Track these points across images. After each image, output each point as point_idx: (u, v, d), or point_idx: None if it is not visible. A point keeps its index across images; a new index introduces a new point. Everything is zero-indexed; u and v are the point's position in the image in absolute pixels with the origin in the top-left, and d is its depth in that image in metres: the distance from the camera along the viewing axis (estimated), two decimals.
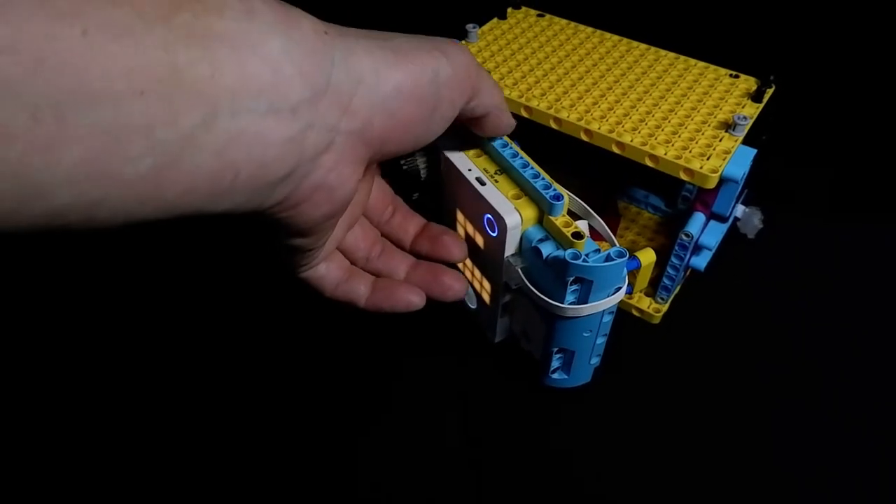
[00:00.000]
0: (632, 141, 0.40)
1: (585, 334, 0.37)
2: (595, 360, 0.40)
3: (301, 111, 0.23)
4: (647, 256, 0.35)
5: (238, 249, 0.53)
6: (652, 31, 0.51)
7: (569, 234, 0.33)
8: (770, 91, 0.43)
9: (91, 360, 0.46)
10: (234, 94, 0.21)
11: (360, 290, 0.34)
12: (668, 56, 0.47)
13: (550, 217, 0.34)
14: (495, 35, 0.49)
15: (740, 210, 0.46)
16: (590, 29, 0.50)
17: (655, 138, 0.40)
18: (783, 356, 0.45)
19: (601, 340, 0.39)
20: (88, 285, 0.51)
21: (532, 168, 0.35)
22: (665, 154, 0.39)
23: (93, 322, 0.48)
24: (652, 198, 0.54)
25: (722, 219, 0.44)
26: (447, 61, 0.28)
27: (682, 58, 0.47)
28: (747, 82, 0.45)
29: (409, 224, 0.37)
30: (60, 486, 0.40)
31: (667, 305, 0.47)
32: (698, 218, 0.43)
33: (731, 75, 0.45)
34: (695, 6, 0.76)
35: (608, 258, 0.32)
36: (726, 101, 0.43)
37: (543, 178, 0.35)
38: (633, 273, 0.36)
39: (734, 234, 0.47)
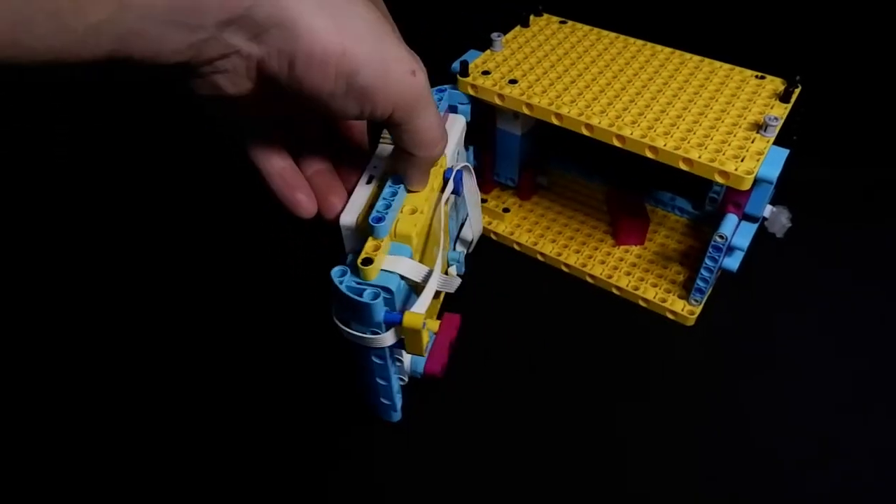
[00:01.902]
0: (665, 145, 0.40)
1: (360, 362, 0.37)
2: (386, 402, 0.39)
3: (207, 28, 0.25)
4: (412, 320, 0.32)
5: (247, 259, 0.53)
6: (674, 34, 0.51)
7: (361, 256, 0.32)
8: (797, 91, 0.44)
9: (89, 359, 0.46)
10: (147, 6, 0.23)
11: (274, 163, 0.34)
12: (692, 59, 0.47)
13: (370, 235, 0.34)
14: (519, 43, 0.50)
15: (768, 209, 0.46)
16: (613, 34, 0.50)
17: (688, 142, 0.40)
18: (816, 356, 0.45)
19: (382, 383, 0.38)
20: (84, 285, 0.51)
21: (393, 187, 0.35)
22: (699, 157, 0.39)
23: (91, 320, 0.49)
24: (679, 200, 0.54)
25: (754, 219, 0.44)
26: (377, 72, 0.27)
27: (707, 60, 0.47)
28: (773, 83, 0.45)
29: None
30: (56, 484, 0.40)
31: (700, 307, 0.47)
32: (731, 219, 0.43)
33: (756, 76, 0.46)
34: (716, 9, 0.76)
35: (358, 293, 0.32)
36: (754, 103, 0.43)
37: (389, 200, 0.34)
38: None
39: (762, 234, 0.47)
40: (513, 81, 0.46)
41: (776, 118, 0.40)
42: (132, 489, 0.40)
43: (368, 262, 0.32)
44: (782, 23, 0.77)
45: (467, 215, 0.47)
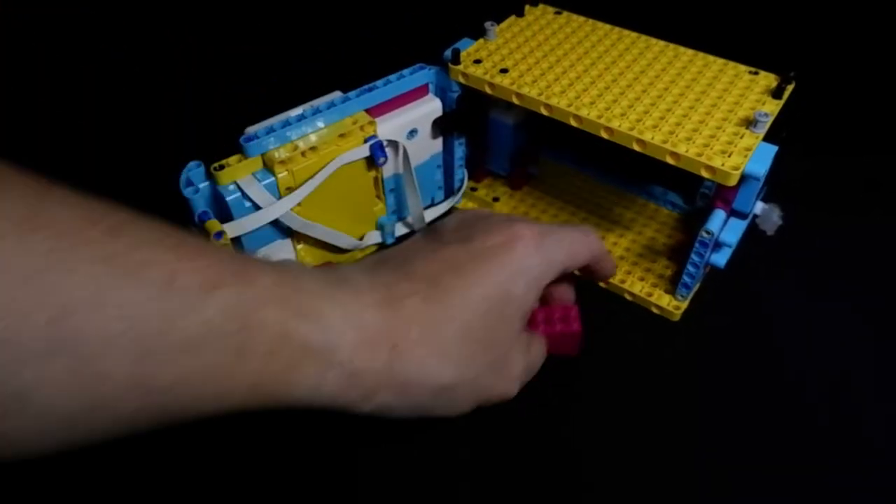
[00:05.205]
0: (653, 138, 0.40)
1: None
2: None
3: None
4: (210, 226, 0.38)
5: None
6: (669, 28, 0.51)
7: (218, 164, 0.39)
8: (790, 87, 0.43)
9: None
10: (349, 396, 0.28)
11: None
12: (686, 53, 0.47)
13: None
14: (513, 32, 0.50)
15: (759, 207, 0.46)
16: (607, 26, 0.50)
17: (676, 136, 0.40)
18: (802, 354, 0.45)
19: None
20: None
21: (299, 123, 0.40)
22: (686, 151, 0.39)
23: None
24: (670, 194, 0.54)
25: (742, 216, 0.44)
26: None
27: (701, 54, 0.47)
28: (766, 79, 0.45)
29: None
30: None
31: (686, 302, 0.47)
32: (718, 215, 0.42)
33: (750, 72, 0.45)
34: (712, 3, 0.76)
35: (188, 184, 0.39)
36: (746, 98, 0.43)
37: (281, 131, 0.39)
38: None
39: (753, 231, 0.47)
40: (504, 71, 0.45)
41: (766, 114, 0.40)
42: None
43: (221, 167, 0.38)
44: (782, 17, 0.76)
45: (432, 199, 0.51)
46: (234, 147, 0.39)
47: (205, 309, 0.23)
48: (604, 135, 0.41)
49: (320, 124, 0.41)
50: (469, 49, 0.48)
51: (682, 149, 0.39)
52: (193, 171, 0.39)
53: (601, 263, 0.38)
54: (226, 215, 0.39)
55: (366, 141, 0.42)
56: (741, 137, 0.40)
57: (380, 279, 0.29)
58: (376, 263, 0.31)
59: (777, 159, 0.41)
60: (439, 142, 0.48)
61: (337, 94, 0.43)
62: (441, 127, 0.47)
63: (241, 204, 0.39)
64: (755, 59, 0.46)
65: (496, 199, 0.55)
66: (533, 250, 0.32)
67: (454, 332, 0.29)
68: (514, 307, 0.31)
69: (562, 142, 0.58)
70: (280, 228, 0.42)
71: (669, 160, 0.40)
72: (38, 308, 0.19)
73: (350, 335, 0.27)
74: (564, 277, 0.37)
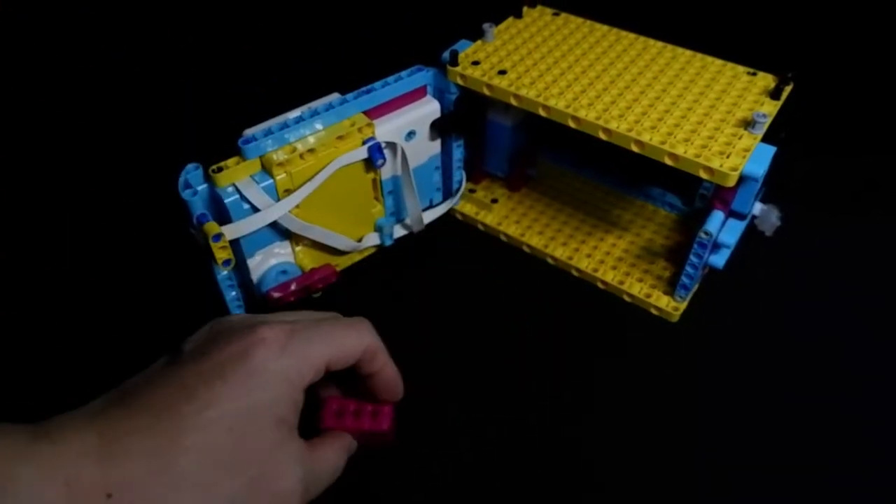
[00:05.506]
0: (651, 139, 0.40)
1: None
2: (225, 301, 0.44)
3: None
4: (209, 228, 0.38)
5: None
6: (668, 28, 0.51)
7: (216, 166, 0.39)
8: (788, 88, 0.43)
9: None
10: None
11: None
12: (684, 54, 0.47)
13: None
14: (511, 34, 0.50)
15: (758, 207, 0.46)
16: (605, 27, 0.50)
17: (674, 136, 0.40)
18: (801, 354, 0.45)
19: (218, 283, 0.43)
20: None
21: (297, 126, 0.40)
22: (684, 152, 0.39)
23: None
24: (668, 196, 0.54)
25: (741, 216, 0.44)
26: None
27: (699, 55, 0.47)
28: (765, 80, 0.45)
29: None
30: None
31: (685, 303, 0.47)
32: (717, 216, 0.42)
33: (748, 73, 0.45)
34: (710, 4, 0.76)
35: (187, 186, 0.39)
36: (744, 99, 0.43)
37: (279, 134, 0.40)
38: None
39: (752, 232, 0.47)
40: (502, 72, 0.45)
41: (765, 115, 0.40)
42: None
43: (219, 170, 0.38)
44: (780, 17, 0.76)
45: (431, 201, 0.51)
46: (233, 149, 0.39)
47: None
48: (602, 136, 0.41)
49: (318, 126, 0.41)
50: (467, 50, 0.48)
51: (680, 150, 0.39)
52: (192, 173, 0.39)
53: (377, 359, 0.32)
54: (224, 217, 0.39)
55: (364, 143, 0.42)
56: (739, 138, 0.40)
57: (102, 419, 0.27)
58: (109, 400, 0.28)
59: (777, 159, 0.41)
60: (437, 143, 0.48)
61: (335, 96, 0.43)
62: (439, 128, 0.47)
63: (239, 206, 0.39)
64: (754, 59, 0.46)
65: (494, 201, 0.55)
66: (276, 352, 0.29)
67: (189, 461, 0.26)
68: (264, 417, 0.28)
69: (560, 143, 0.58)
70: (278, 230, 0.42)
71: (668, 161, 0.40)
72: None
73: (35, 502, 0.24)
74: (358, 379, 0.33)
